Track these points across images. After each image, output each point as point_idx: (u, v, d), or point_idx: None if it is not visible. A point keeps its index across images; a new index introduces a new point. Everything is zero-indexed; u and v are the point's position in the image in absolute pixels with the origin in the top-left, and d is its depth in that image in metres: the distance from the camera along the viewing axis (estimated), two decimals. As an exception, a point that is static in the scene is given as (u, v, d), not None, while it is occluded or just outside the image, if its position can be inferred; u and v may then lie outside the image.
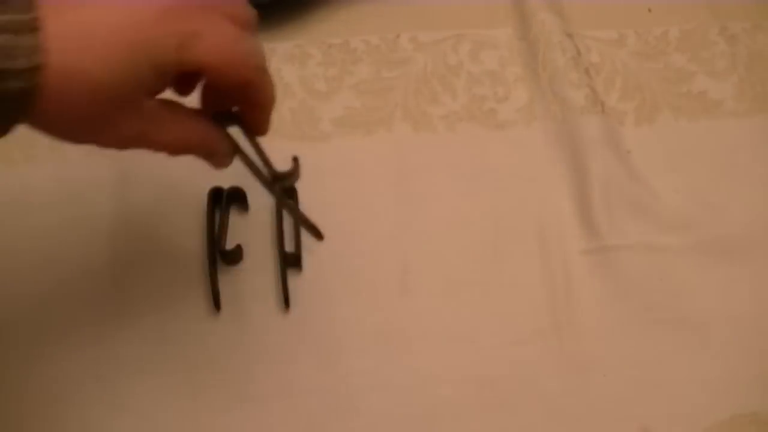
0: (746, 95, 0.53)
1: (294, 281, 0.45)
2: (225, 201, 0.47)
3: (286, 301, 0.44)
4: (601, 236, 0.47)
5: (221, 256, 0.45)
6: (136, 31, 0.29)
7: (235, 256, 0.46)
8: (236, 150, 0.36)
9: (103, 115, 0.30)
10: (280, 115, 0.51)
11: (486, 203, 0.49)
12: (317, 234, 0.47)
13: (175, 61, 0.30)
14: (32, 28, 0.28)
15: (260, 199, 0.48)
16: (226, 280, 0.45)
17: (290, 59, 0.54)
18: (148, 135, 0.32)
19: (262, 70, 0.33)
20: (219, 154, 0.36)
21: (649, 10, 0.57)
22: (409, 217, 0.48)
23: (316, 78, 0.53)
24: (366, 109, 0.52)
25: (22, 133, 0.50)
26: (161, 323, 0.44)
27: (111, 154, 0.49)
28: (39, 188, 0.48)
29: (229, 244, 0.46)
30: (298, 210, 0.47)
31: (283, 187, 0.40)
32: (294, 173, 0.40)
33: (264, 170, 0.38)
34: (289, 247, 0.46)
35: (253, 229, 0.47)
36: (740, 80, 0.54)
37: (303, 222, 0.47)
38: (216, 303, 0.44)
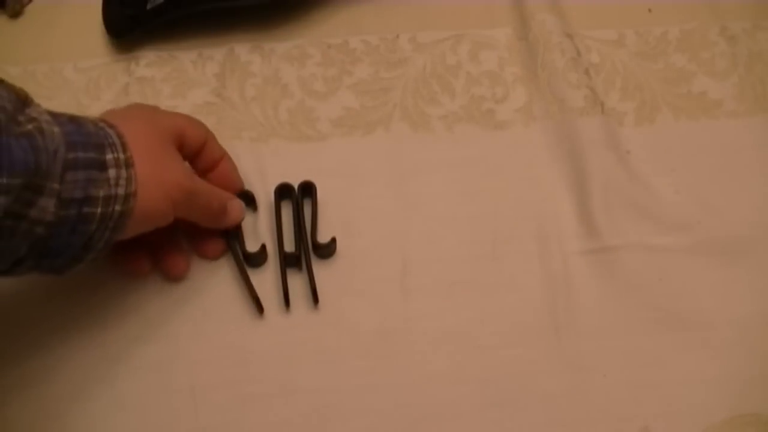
0: (746, 95, 0.53)
1: (294, 281, 0.45)
2: None
3: (287, 301, 0.44)
4: (601, 236, 0.47)
5: (245, 259, 0.46)
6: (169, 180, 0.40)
7: (260, 258, 0.46)
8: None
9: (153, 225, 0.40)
10: (278, 115, 0.51)
11: (485, 203, 0.49)
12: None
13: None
14: (129, 164, 0.37)
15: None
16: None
17: (289, 59, 0.54)
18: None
19: (210, 134, 0.46)
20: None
21: (649, 10, 0.57)
22: (408, 217, 0.48)
23: (315, 78, 0.53)
24: (364, 109, 0.52)
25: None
26: (162, 326, 0.44)
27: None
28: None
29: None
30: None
31: (319, 255, 0.46)
32: (330, 246, 0.46)
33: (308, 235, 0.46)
34: (288, 247, 0.46)
35: (249, 231, 0.47)
36: (740, 80, 0.54)
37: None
38: (258, 306, 0.44)
